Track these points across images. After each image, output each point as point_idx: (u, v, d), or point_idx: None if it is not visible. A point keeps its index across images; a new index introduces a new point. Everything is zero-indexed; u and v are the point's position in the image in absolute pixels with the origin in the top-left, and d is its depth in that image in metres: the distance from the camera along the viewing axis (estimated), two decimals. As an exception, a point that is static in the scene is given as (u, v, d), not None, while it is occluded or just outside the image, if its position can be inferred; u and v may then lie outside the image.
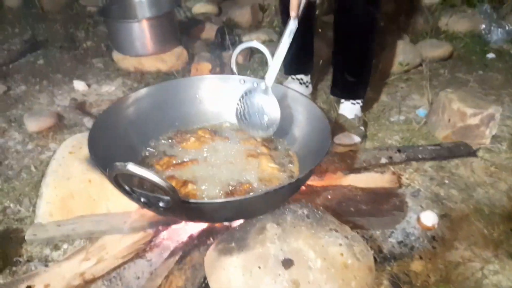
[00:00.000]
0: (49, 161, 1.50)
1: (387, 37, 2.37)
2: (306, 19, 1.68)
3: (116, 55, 2.17)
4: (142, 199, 0.83)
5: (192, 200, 0.84)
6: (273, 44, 2.44)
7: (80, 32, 2.67)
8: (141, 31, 1.99)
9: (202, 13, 2.77)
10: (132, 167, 0.74)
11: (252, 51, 2.37)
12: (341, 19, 1.52)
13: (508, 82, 2.13)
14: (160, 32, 2.03)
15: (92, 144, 0.97)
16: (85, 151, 1.16)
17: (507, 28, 2.60)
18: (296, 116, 1.22)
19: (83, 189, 1.11)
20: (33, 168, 1.50)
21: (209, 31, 2.48)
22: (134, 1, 2.25)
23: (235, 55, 1.30)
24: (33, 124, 1.69)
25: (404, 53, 2.22)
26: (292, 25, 1.10)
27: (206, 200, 0.95)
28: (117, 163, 0.75)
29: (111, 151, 1.06)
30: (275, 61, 1.11)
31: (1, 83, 2.02)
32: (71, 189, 1.10)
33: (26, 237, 1.09)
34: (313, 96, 1.96)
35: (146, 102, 1.24)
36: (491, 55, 2.41)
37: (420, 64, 2.25)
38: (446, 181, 1.42)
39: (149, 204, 0.84)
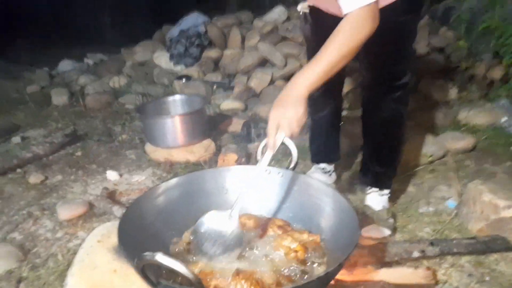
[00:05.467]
0: (77, 249, 1.52)
1: (408, 132, 2.43)
2: (332, 111, 1.78)
3: (148, 147, 2.31)
4: (167, 291, 0.82)
5: (218, 294, 0.82)
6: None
7: (117, 126, 2.89)
8: (173, 126, 2.14)
9: (229, 109, 2.97)
10: (160, 257, 0.74)
11: (277, 144, 2.47)
12: (370, 115, 1.60)
13: (539, 174, 2.09)
14: (191, 127, 2.17)
15: (122, 233, 0.98)
16: (113, 240, 1.18)
17: (528, 121, 2.63)
18: (323, 207, 1.22)
19: (107, 280, 1.09)
20: (60, 257, 1.51)
21: (236, 125, 2.63)
22: (168, 99, 2.46)
23: (261, 147, 1.36)
24: (64, 212, 1.74)
25: (426, 145, 2.26)
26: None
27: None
28: (146, 253, 0.76)
29: (138, 240, 1.07)
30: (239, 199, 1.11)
31: (40, 173, 2.15)
32: (95, 280, 1.09)
33: (44, 331, 1.05)
34: (338, 185, 1.96)
35: (175, 192, 1.27)
36: (516, 147, 2.40)
37: (444, 156, 2.26)
38: (487, 278, 1.32)
39: (174, 296, 0.82)
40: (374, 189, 1.65)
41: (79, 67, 4.67)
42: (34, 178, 2.07)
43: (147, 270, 0.80)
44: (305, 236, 1.17)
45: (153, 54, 3.78)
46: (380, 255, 1.29)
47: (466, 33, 4.09)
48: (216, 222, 1.11)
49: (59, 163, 2.29)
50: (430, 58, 3.95)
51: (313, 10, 1.54)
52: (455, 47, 4.04)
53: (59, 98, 3.48)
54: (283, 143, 1.18)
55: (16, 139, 2.64)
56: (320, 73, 1.10)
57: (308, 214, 1.25)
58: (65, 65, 4.75)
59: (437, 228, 1.61)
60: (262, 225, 1.25)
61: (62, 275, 1.39)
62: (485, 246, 1.39)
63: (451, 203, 1.80)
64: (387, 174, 1.64)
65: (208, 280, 1.00)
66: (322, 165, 1.90)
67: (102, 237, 1.19)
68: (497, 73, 3.47)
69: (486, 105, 2.78)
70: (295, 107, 1.08)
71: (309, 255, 1.11)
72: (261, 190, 1.32)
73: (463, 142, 2.36)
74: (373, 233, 1.50)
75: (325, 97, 1.72)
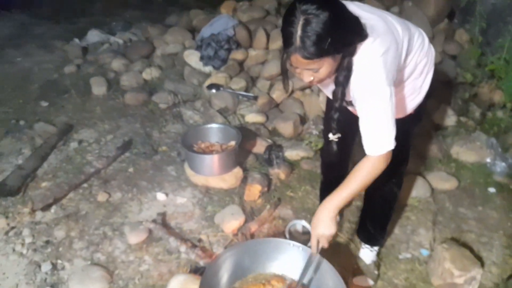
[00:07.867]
0: (147, 274, 2.12)
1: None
2: (338, 181, 2.23)
3: (187, 170, 2.80)
4: None
5: None
6: (310, 162, 3.01)
7: (155, 131, 3.34)
8: (211, 162, 2.61)
9: (254, 122, 3.39)
10: None
11: (293, 167, 2.96)
12: (372, 192, 2.03)
13: (502, 222, 2.60)
14: (225, 161, 2.65)
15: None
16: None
17: (509, 161, 3.08)
18: (328, 279, 1.77)
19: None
20: (136, 281, 2.10)
21: (259, 146, 3.08)
22: (207, 127, 2.90)
23: (287, 229, 1.87)
24: (132, 238, 2.30)
25: (416, 187, 2.75)
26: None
27: None
28: None
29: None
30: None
31: (103, 190, 2.67)
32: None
33: None
34: (343, 226, 2.46)
35: (231, 261, 1.82)
36: (492, 190, 2.88)
37: (430, 195, 2.76)
38: (434, 327, 1.93)
39: None
40: (367, 245, 2.19)
41: (106, 38, 4.93)
42: (101, 196, 2.60)
43: None
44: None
45: (184, 52, 4.04)
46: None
47: (482, 35, 4.22)
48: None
49: (116, 179, 2.79)
50: (440, 69, 4.19)
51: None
52: (467, 56, 4.23)
53: (98, 88, 3.85)
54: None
55: (74, 144, 3.11)
56: (344, 200, 1.55)
57: (320, 282, 1.81)
58: (94, 35, 4.99)
59: (409, 277, 2.19)
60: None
61: (141, 299, 2.00)
62: (438, 304, 1.98)
63: (424, 251, 2.35)
64: (378, 235, 2.16)
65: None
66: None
67: (178, 292, 1.77)
68: (497, 96, 3.78)
69: (477, 142, 3.17)
70: (329, 228, 1.58)
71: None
72: (291, 261, 1.87)
73: (448, 184, 2.85)
74: (361, 282, 2.08)
75: (333, 170, 2.18)
